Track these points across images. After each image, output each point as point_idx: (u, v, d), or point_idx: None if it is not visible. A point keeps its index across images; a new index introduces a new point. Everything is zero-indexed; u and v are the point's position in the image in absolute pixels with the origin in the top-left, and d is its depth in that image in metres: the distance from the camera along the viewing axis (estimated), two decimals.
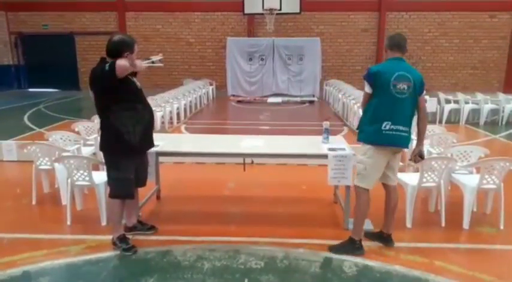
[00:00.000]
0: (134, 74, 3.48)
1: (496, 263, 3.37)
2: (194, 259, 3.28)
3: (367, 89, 3.32)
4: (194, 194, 4.91)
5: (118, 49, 3.16)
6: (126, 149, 3.28)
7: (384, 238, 3.57)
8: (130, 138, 3.24)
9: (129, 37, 3.34)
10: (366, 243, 3.46)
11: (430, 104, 9.72)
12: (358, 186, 3.38)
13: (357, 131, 3.48)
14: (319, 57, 15.07)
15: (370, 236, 3.64)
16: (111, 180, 3.39)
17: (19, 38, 17.07)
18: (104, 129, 3.32)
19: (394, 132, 3.24)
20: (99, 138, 3.55)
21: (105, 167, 3.45)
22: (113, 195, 3.40)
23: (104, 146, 3.34)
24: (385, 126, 3.22)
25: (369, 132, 3.30)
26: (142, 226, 3.79)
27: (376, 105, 3.26)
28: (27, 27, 16.85)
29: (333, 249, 3.40)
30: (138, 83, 3.42)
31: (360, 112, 3.95)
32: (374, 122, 3.27)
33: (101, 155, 3.51)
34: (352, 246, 3.38)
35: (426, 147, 5.02)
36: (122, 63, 3.05)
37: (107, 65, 3.07)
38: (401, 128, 3.25)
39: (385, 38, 3.44)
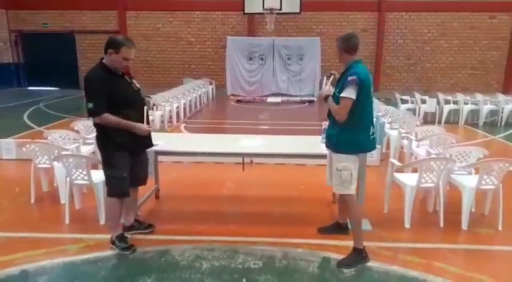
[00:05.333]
0: (132, 77, 3.47)
1: (494, 264, 3.37)
2: (192, 259, 3.28)
3: (353, 95, 3.05)
4: (193, 194, 4.90)
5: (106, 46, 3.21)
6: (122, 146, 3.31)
7: (342, 228, 3.73)
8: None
9: (122, 39, 3.27)
10: (365, 244, 3.45)
11: (430, 104, 9.76)
12: (348, 194, 3.26)
13: (334, 142, 3.25)
14: (319, 57, 15.09)
15: (326, 231, 3.75)
16: (106, 178, 3.40)
17: (19, 36, 17.08)
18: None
19: (374, 136, 3.28)
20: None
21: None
22: (109, 193, 3.41)
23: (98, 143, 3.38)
24: (371, 132, 3.21)
25: (358, 142, 3.19)
26: (140, 225, 3.79)
27: (362, 112, 3.14)
28: (28, 25, 16.86)
29: (342, 264, 3.22)
30: None
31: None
32: (363, 129, 3.19)
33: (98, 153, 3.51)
34: (360, 256, 3.26)
35: (425, 148, 5.04)
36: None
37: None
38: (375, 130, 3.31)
39: (341, 40, 3.21)
